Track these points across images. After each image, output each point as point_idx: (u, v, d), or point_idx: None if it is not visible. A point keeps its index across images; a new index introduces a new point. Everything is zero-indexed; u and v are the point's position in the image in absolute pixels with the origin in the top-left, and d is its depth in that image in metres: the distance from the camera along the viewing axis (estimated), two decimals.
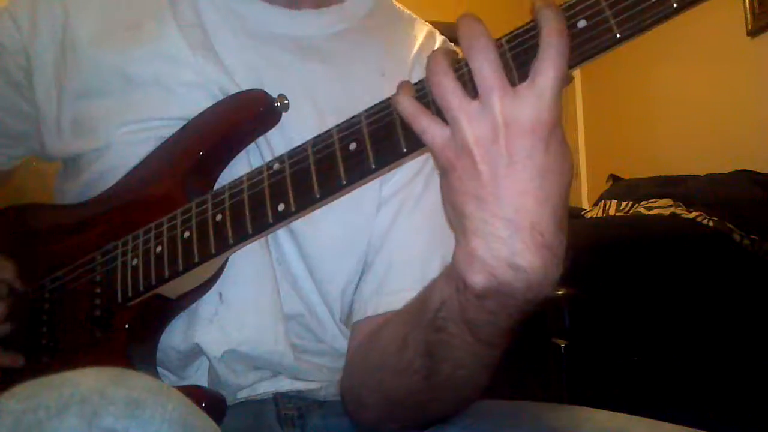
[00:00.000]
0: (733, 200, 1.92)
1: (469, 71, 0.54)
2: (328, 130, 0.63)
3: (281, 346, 0.76)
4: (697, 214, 1.85)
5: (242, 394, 0.78)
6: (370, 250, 0.80)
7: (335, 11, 0.86)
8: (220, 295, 0.75)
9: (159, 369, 0.76)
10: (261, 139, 0.78)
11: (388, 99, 0.60)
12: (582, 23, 0.53)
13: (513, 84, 0.53)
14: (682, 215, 1.88)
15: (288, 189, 0.64)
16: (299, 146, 0.65)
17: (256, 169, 0.68)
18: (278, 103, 0.76)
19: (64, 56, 0.82)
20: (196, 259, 0.69)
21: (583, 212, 2.39)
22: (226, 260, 0.74)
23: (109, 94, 0.79)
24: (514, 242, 0.53)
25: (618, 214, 2.17)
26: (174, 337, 0.75)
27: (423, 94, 0.57)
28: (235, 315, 0.75)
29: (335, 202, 0.65)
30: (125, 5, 0.83)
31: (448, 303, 0.59)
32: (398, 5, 0.94)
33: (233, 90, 0.77)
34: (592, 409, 0.71)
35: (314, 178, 0.62)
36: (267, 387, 0.79)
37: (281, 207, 0.64)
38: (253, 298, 0.76)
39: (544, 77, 0.52)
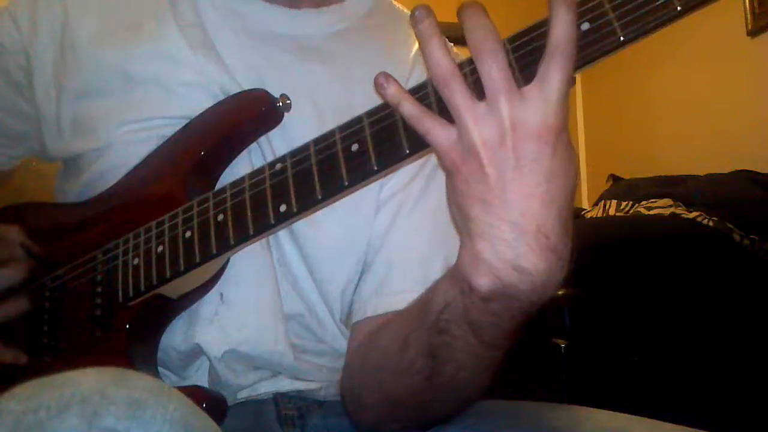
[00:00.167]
0: (733, 200, 1.92)
1: (473, 71, 0.54)
2: (330, 131, 0.63)
3: (281, 346, 0.76)
4: (697, 214, 1.85)
5: (242, 394, 0.78)
6: (369, 251, 0.80)
7: (335, 10, 0.86)
8: (221, 295, 0.75)
9: (159, 369, 0.76)
10: (262, 139, 0.78)
11: None
12: (585, 26, 0.53)
13: (516, 86, 0.53)
14: (682, 215, 1.88)
15: (290, 190, 0.64)
16: (301, 147, 0.65)
17: (257, 169, 0.68)
18: (280, 103, 0.76)
19: (64, 56, 0.82)
20: (198, 259, 0.69)
21: (583, 212, 2.38)
22: (227, 260, 0.74)
23: (109, 94, 0.79)
24: (519, 245, 0.53)
25: (618, 214, 2.16)
26: (174, 337, 0.75)
27: (425, 94, 0.57)
28: (236, 315, 0.75)
29: (336, 203, 0.65)
30: (125, 5, 0.83)
31: (452, 305, 0.59)
32: (398, 4, 0.94)
33: (234, 90, 0.77)
34: (592, 409, 0.71)
35: (316, 178, 0.62)
36: (267, 387, 0.79)
37: (283, 208, 0.64)
38: (253, 298, 0.75)
39: (552, 80, 0.52)
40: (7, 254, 0.81)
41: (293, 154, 0.65)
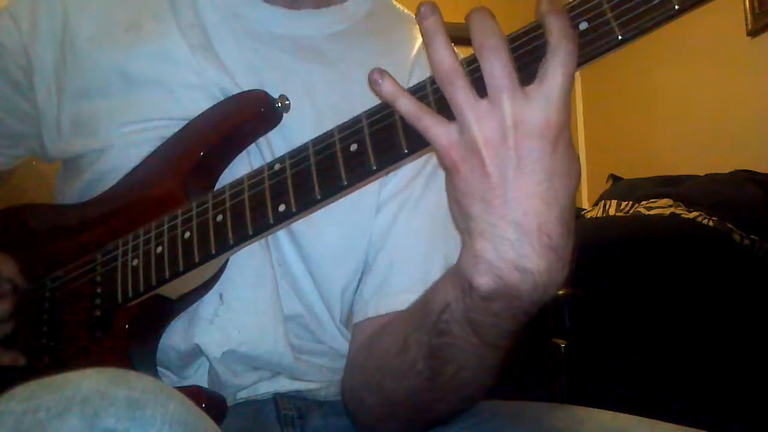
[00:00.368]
0: (733, 200, 1.92)
1: (475, 70, 0.54)
2: (329, 131, 0.63)
3: (281, 346, 0.76)
4: (697, 214, 1.84)
5: (242, 395, 0.78)
6: (370, 251, 0.80)
7: (335, 11, 0.86)
8: (221, 295, 0.75)
9: (159, 369, 0.76)
10: (262, 140, 0.78)
11: None
12: (584, 25, 0.53)
13: (519, 85, 0.53)
14: (682, 215, 1.88)
15: (289, 190, 0.64)
16: (300, 147, 0.65)
17: (256, 169, 0.68)
18: (279, 104, 0.76)
19: (64, 56, 0.82)
20: (197, 260, 0.69)
21: (583, 212, 2.38)
22: (227, 261, 0.74)
23: (109, 95, 0.79)
24: (521, 245, 0.53)
25: (618, 214, 2.16)
26: (174, 337, 0.75)
27: (424, 94, 0.57)
28: (235, 316, 0.75)
29: (335, 203, 0.65)
30: (125, 5, 0.83)
31: (452, 305, 0.59)
32: (398, 5, 0.94)
33: (234, 90, 0.77)
34: (592, 409, 0.71)
35: (315, 178, 0.62)
36: (267, 387, 0.79)
37: (282, 208, 0.64)
38: (253, 298, 0.75)
39: (553, 79, 0.52)
40: None
41: (292, 154, 0.65)
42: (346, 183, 0.61)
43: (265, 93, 0.76)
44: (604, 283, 1.59)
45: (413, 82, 0.63)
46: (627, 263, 1.66)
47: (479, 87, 0.54)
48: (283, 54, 0.81)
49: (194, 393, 0.67)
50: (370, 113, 0.61)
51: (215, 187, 0.75)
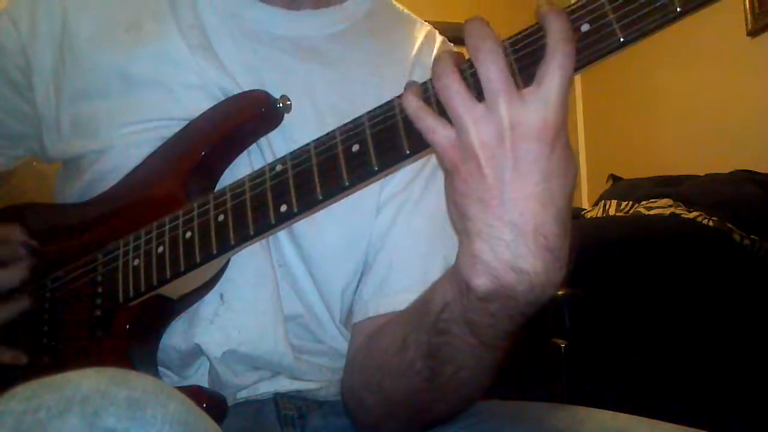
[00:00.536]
0: (733, 200, 1.92)
1: (473, 73, 0.54)
2: (331, 132, 0.63)
3: (281, 346, 0.76)
4: (697, 214, 1.85)
5: (242, 395, 0.78)
6: (370, 252, 0.80)
7: (334, 11, 0.86)
8: (221, 295, 0.75)
9: (160, 369, 0.76)
10: (262, 140, 0.78)
11: (391, 101, 0.60)
12: (585, 27, 0.53)
13: (516, 87, 0.53)
14: (682, 215, 1.88)
15: (290, 190, 0.64)
16: (301, 147, 0.65)
17: (258, 170, 0.68)
18: (280, 104, 0.76)
19: (63, 57, 0.82)
20: (198, 260, 0.69)
21: (583, 212, 2.38)
22: (228, 261, 0.74)
23: (109, 95, 0.79)
24: (517, 245, 0.53)
25: (618, 214, 2.16)
26: (175, 337, 0.76)
27: (426, 96, 0.57)
28: (236, 316, 0.75)
29: (336, 204, 0.65)
30: (125, 6, 0.83)
31: (451, 305, 0.59)
32: (398, 6, 0.94)
33: (234, 91, 0.77)
34: (592, 409, 0.71)
35: (316, 179, 0.62)
36: (267, 387, 0.79)
37: (283, 208, 0.64)
38: (253, 299, 0.76)
39: (551, 82, 0.52)
40: (8, 254, 0.81)
41: (294, 155, 0.66)
42: (347, 183, 0.61)
43: (266, 93, 0.76)
44: (604, 283, 1.59)
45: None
46: (627, 263, 1.66)
47: (478, 90, 0.54)
48: (282, 54, 0.81)
49: (195, 393, 0.66)
50: (372, 114, 0.61)
51: (216, 187, 0.75)
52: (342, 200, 0.65)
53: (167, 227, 0.72)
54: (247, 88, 0.77)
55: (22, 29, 0.84)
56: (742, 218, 1.82)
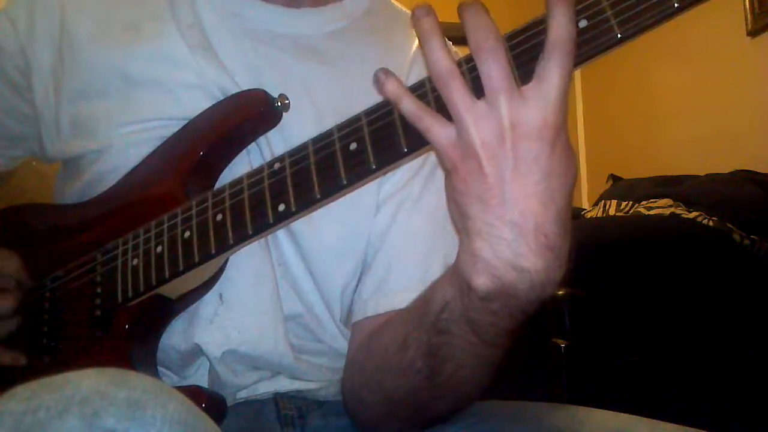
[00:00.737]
0: (733, 200, 1.92)
1: (471, 69, 0.54)
2: (329, 130, 0.63)
3: (281, 346, 0.76)
4: (697, 214, 1.85)
5: (242, 394, 0.78)
6: (369, 251, 0.80)
7: (334, 9, 0.86)
8: (220, 295, 0.75)
9: (159, 369, 0.76)
10: (261, 139, 0.78)
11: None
12: (583, 23, 0.53)
13: (516, 86, 0.53)
14: (682, 215, 1.88)
15: (288, 189, 0.64)
16: (299, 146, 0.65)
17: (256, 168, 0.68)
18: (279, 103, 0.76)
19: (63, 57, 0.82)
20: (197, 259, 0.69)
21: (583, 212, 2.39)
22: (226, 261, 0.74)
23: (108, 95, 0.79)
24: (518, 244, 0.53)
25: (618, 214, 2.17)
26: (174, 337, 0.75)
27: (423, 93, 0.57)
28: (235, 315, 0.75)
29: (334, 202, 0.65)
30: (124, 5, 0.83)
31: (451, 304, 0.59)
32: (397, 4, 0.94)
33: (233, 90, 0.77)
34: (592, 409, 0.71)
35: (315, 178, 0.62)
36: (267, 387, 0.79)
37: (282, 207, 0.64)
38: (252, 298, 0.75)
39: (551, 79, 0.52)
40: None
41: (291, 153, 0.65)
42: (345, 182, 0.61)
43: (265, 92, 0.75)
44: (604, 283, 1.59)
45: (412, 79, 0.63)
46: (627, 263, 1.66)
47: (477, 87, 0.54)
48: (281, 53, 0.81)
49: (194, 393, 0.66)
50: (369, 112, 0.61)
51: (215, 186, 0.75)
52: (341, 199, 0.65)
53: (166, 226, 0.72)
54: (246, 88, 0.77)
55: (21, 29, 0.84)
56: (742, 218, 1.82)
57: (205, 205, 0.70)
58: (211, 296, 0.75)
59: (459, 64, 0.55)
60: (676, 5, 0.50)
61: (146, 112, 0.78)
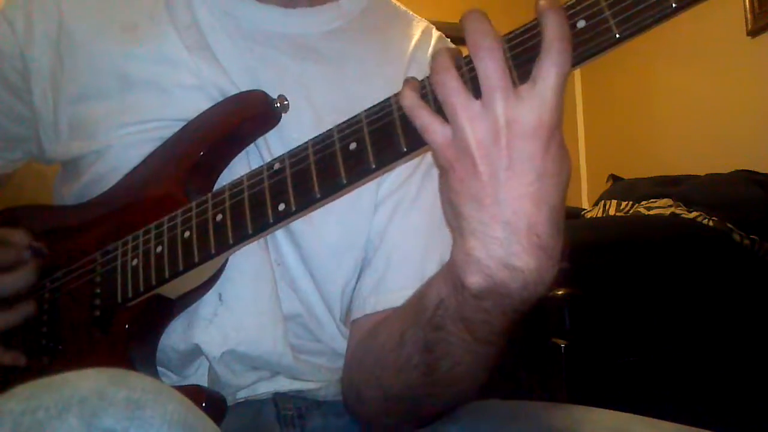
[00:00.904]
0: (733, 200, 1.92)
1: (470, 70, 0.54)
2: (329, 130, 0.63)
3: (280, 346, 0.76)
4: (697, 214, 1.85)
5: (242, 394, 0.78)
6: (368, 249, 0.80)
7: (330, 9, 0.86)
8: (220, 295, 0.75)
9: (159, 369, 0.76)
10: (260, 140, 0.78)
11: (388, 99, 0.60)
12: (581, 23, 0.53)
13: (512, 85, 0.53)
14: (682, 215, 1.88)
15: (288, 189, 0.64)
16: (299, 146, 0.65)
17: (256, 169, 0.68)
18: (278, 104, 0.76)
19: (61, 58, 0.82)
20: (196, 260, 0.69)
21: (583, 212, 2.39)
22: (226, 261, 0.74)
23: (106, 96, 0.79)
24: (510, 244, 0.53)
25: (618, 214, 2.17)
26: (174, 337, 0.75)
27: (424, 92, 0.57)
28: (235, 315, 0.75)
29: (334, 202, 0.65)
30: (121, 6, 0.83)
31: (445, 301, 0.60)
32: (394, 2, 0.94)
33: (231, 91, 0.77)
34: (591, 408, 0.71)
35: (314, 177, 0.62)
36: (266, 387, 0.79)
37: (282, 207, 0.64)
38: (252, 298, 0.76)
39: (547, 79, 0.52)
40: (13, 258, 0.81)
41: (291, 153, 0.66)
42: (345, 182, 0.61)
43: (264, 93, 0.75)
44: (604, 283, 1.59)
45: None
46: (627, 263, 1.66)
47: (475, 89, 0.54)
48: (279, 53, 0.81)
49: (194, 392, 0.66)
50: (369, 112, 0.61)
51: (214, 187, 0.75)
52: (340, 198, 0.65)
53: (165, 227, 0.72)
54: (244, 88, 0.77)
55: (19, 31, 0.83)
56: (742, 218, 1.82)
57: (205, 205, 0.70)
58: (210, 296, 0.75)
59: (459, 65, 0.55)
60: (673, 5, 0.50)
61: (145, 113, 0.78)
